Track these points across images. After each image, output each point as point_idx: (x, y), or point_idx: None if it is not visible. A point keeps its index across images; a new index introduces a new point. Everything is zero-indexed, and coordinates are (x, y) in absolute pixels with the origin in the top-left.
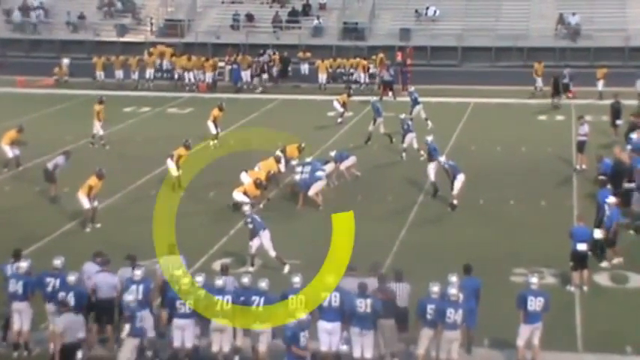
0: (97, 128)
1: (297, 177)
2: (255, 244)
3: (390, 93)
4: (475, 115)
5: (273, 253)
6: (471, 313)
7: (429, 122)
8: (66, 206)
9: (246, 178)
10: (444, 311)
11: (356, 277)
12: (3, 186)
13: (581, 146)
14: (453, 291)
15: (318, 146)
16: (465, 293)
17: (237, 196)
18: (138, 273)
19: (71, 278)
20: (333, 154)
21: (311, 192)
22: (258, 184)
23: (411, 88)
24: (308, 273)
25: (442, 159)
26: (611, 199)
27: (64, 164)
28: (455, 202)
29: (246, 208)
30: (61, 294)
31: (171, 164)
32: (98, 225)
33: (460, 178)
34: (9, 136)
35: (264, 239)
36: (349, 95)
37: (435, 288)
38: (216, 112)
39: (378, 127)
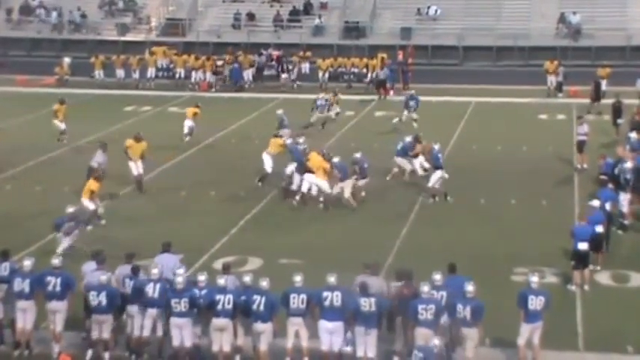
0: (60, 125)
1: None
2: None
3: (384, 92)
4: (476, 114)
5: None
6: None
7: (415, 124)
8: (67, 206)
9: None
10: (455, 306)
11: (370, 275)
12: (4, 185)
13: (581, 146)
14: (469, 288)
15: (321, 145)
16: (448, 291)
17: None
18: (155, 272)
19: (103, 278)
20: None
21: (347, 194)
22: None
23: (412, 92)
24: (310, 272)
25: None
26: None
27: (104, 158)
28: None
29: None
30: (93, 293)
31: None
32: (103, 222)
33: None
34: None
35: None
36: (336, 94)
37: (426, 288)
38: (194, 109)
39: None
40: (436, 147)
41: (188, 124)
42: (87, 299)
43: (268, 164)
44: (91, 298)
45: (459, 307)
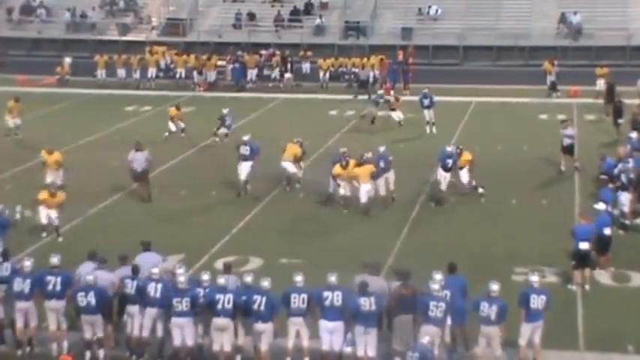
0: (12, 121)
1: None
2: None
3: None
4: (477, 114)
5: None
6: (460, 311)
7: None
8: (65, 207)
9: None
10: (478, 304)
11: (370, 275)
12: (4, 185)
13: (570, 148)
14: (494, 287)
15: (321, 145)
16: (449, 291)
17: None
18: (156, 271)
19: (89, 278)
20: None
21: (382, 191)
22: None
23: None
24: (310, 272)
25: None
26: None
27: (139, 156)
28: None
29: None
30: (81, 294)
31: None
32: (44, 234)
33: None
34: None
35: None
36: (398, 99)
37: (436, 285)
38: (173, 111)
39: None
40: (449, 149)
41: (170, 124)
42: (75, 300)
43: (291, 169)
44: (80, 299)
45: (484, 305)
